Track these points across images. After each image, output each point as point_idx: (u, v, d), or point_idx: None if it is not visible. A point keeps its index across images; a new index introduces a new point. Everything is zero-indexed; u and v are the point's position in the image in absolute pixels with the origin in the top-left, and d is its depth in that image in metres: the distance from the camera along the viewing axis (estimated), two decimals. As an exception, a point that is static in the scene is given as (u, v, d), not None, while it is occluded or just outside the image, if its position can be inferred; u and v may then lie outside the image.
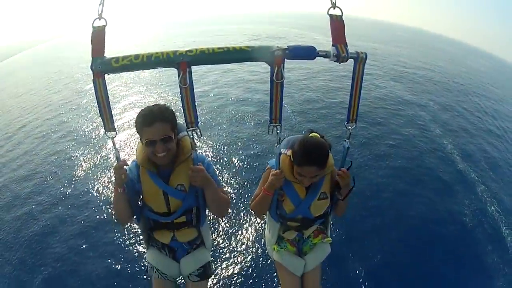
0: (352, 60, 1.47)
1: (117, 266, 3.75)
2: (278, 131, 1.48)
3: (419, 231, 4.58)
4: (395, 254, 4.13)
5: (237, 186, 5.24)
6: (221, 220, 4.35)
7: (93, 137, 7.30)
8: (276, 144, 1.57)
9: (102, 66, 1.34)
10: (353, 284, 3.64)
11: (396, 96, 10.48)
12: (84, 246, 4.09)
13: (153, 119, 1.45)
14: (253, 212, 1.90)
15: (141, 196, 1.71)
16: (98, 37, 1.36)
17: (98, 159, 6.23)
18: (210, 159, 5.78)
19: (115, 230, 4.24)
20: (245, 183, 5.28)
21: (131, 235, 4.13)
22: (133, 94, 10.45)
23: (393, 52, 22.77)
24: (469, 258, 4.29)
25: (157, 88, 10.91)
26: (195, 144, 1.51)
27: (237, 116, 8.05)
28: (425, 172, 6.09)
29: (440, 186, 5.71)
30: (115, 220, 1.64)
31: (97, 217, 4.59)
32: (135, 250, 3.92)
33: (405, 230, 4.56)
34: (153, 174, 1.61)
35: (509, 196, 5.83)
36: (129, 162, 1.65)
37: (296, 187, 1.77)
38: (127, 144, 6.42)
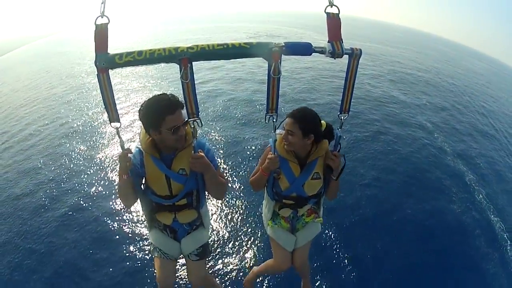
0: (347, 56, 1.53)
1: (122, 249, 3.91)
2: (274, 120, 1.61)
3: (411, 227, 4.63)
4: (387, 247, 4.21)
5: (235, 166, 5.53)
6: (220, 201, 4.60)
7: (94, 128, 7.46)
8: (272, 131, 1.70)
9: (106, 63, 1.39)
10: (343, 263, 3.81)
11: (390, 96, 10.57)
12: (92, 233, 4.22)
13: (175, 107, 1.53)
14: (251, 187, 2.03)
15: (144, 180, 1.80)
16: (101, 34, 1.41)
17: (100, 149, 6.40)
18: (209, 142, 6.08)
19: (121, 217, 4.40)
20: (243, 163, 5.58)
21: (135, 220, 4.32)
22: (133, 87, 10.65)
23: (389, 52, 22.91)
24: (464, 255, 4.36)
25: (156, 81, 11.10)
26: (196, 132, 1.59)
27: (235, 105, 8.42)
28: (418, 169, 6.18)
29: (433, 184, 5.79)
30: (123, 204, 1.77)
31: (103, 205, 4.70)
32: (138, 233, 4.10)
33: (397, 226, 4.62)
34: (156, 159, 1.69)
35: (504, 195, 5.92)
36: (133, 150, 1.73)
37: (291, 166, 1.88)
38: (129, 133, 6.71)
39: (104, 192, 5.03)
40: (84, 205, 4.76)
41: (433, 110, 10.04)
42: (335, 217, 4.47)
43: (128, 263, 3.72)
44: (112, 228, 4.26)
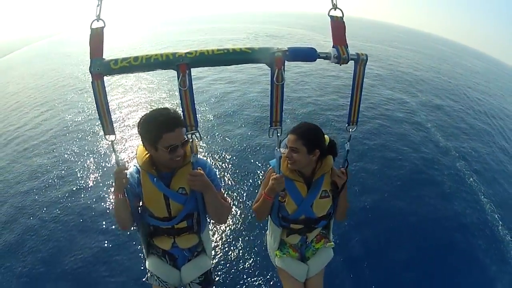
0: (353, 61, 1.47)
1: (116, 273, 3.71)
2: (278, 134, 1.47)
3: (423, 236, 4.57)
4: (399, 258, 4.13)
5: (238, 189, 5.17)
6: (222, 226, 4.28)
7: (92, 138, 7.23)
8: (276, 148, 1.56)
9: (101, 68, 1.32)
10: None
11: (396, 98, 10.54)
12: (83, 253, 4.03)
13: (174, 124, 1.44)
14: (254, 215, 1.89)
15: (141, 202, 1.67)
16: (96, 39, 1.35)
17: (97, 162, 6.13)
18: (210, 162, 5.71)
19: (115, 236, 4.19)
20: (246, 186, 5.22)
21: (131, 242, 4.07)
22: (131, 96, 10.36)
23: (387, 52, 22.93)
24: (466, 254, 4.35)
25: (156, 90, 10.83)
26: (196, 148, 1.49)
27: (237, 117, 8.01)
28: (418, 169, 6.16)
29: (440, 187, 5.74)
30: (118, 226, 1.61)
31: (97, 222, 4.52)
32: (134, 258, 3.86)
33: (408, 235, 4.56)
34: (154, 177, 1.59)
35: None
36: (128, 166, 1.62)
37: (297, 186, 1.76)
38: (127, 147, 6.30)
39: (98, 207, 4.82)
40: (78, 221, 4.57)
41: (431, 109, 10.08)
42: (343, 231, 4.30)
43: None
44: (105, 250, 4.01)
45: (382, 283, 3.72)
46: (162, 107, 1.53)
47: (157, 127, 1.44)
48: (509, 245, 4.63)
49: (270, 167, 1.81)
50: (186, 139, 1.49)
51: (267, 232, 2.09)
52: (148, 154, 1.59)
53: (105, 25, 1.35)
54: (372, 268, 3.88)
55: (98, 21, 1.33)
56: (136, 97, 10.18)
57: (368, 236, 4.37)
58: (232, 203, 4.49)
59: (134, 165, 1.66)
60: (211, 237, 1.97)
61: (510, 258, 4.43)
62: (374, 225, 4.57)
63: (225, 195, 1.77)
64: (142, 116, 1.53)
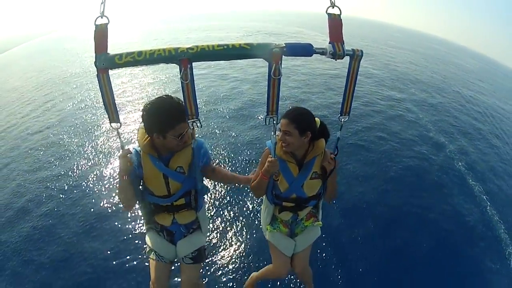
0: (348, 57, 1.52)
1: (117, 249, 3.89)
2: (274, 122, 1.58)
3: (410, 226, 4.65)
4: (384, 245, 4.22)
5: (236, 169, 5.47)
6: (220, 203, 4.56)
7: (93, 128, 7.40)
8: (272, 134, 1.67)
9: (106, 63, 1.38)
10: (343, 266, 3.77)
11: (388, 95, 10.62)
12: (87, 231, 4.21)
13: (182, 116, 1.54)
14: (252, 193, 2.03)
15: (141, 182, 1.80)
16: (101, 35, 1.40)
17: (99, 149, 6.34)
18: (209, 144, 6.08)
19: (118, 217, 4.37)
20: (244, 166, 5.53)
21: (132, 221, 4.28)
22: (134, 86, 10.60)
23: (384, 51, 23.03)
24: (467, 255, 4.36)
25: (157, 81, 11.05)
26: (194, 133, 1.61)
27: (234, 105, 8.35)
28: (417, 168, 6.19)
29: (433, 183, 5.81)
30: (121, 206, 1.77)
31: (100, 204, 4.68)
32: (135, 235, 4.07)
33: (396, 224, 4.62)
34: (154, 158, 1.70)
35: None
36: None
37: (289, 166, 1.88)
38: (129, 133, 6.66)
39: (100, 190, 5.01)
40: (81, 201, 4.76)
41: (423, 105, 10.20)
42: (333, 218, 4.44)
43: (122, 262, 3.69)
44: (108, 225, 4.22)
45: (367, 268, 3.82)
46: (165, 96, 1.62)
47: (170, 118, 1.56)
48: (507, 243, 4.68)
49: (266, 147, 1.91)
50: (190, 126, 1.60)
51: (262, 207, 2.22)
52: (149, 138, 1.69)
53: (109, 22, 1.41)
54: (358, 251, 4.01)
55: (102, 17, 1.39)
56: (136, 87, 10.47)
57: (357, 222, 4.49)
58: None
59: (134, 148, 1.76)
60: (207, 215, 2.21)
61: (509, 257, 4.47)
62: (364, 213, 4.68)
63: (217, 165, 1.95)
64: (148, 105, 1.59)
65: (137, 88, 10.45)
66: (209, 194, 4.70)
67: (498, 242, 4.66)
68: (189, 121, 1.50)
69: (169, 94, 1.64)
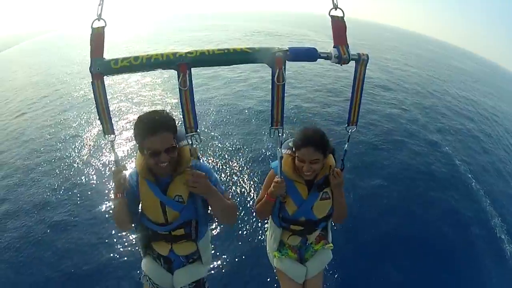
0: (354, 61, 1.46)
1: (112, 269, 3.74)
2: (279, 134, 1.47)
3: (421, 236, 4.57)
4: (397, 257, 4.14)
5: (239, 190, 5.18)
6: (221, 232, 4.21)
7: (92, 138, 7.23)
8: (278, 148, 1.55)
9: (101, 68, 1.32)
10: None
11: (389, 98, 10.60)
12: (80, 248, 4.06)
13: (157, 128, 1.37)
14: (256, 214, 1.90)
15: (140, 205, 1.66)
16: (97, 38, 1.35)
17: (97, 161, 6.14)
18: (211, 164, 5.69)
19: (113, 235, 4.20)
20: (247, 187, 5.23)
21: (129, 241, 4.08)
22: (131, 95, 10.30)
23: (380, 53, 23.10)
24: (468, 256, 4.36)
25: (156, 89, 10.81)
26: (196, 152, 1.46)
27: (236, 118, 7.96)
28: (418, 170, 6.17)
29: (438, 187, 5.77)
30: (117, 226, 1.61)
31: (96, 219, 4.54)
32: (132, 255, 3.87)
33: (406, 234, 4.57)
34: (151, 183, 1.55)
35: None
36: (129, 166, 1.61)
37: (298, 187, 1.74)
38: (127, 147, 6.33)
39: (98, 204, 4.82)
40: (74, 218, 4.58)
41: (418, 107, 10.20)
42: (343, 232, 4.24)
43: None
44: (103, 251, 3.98)
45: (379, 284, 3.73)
46: (157, 109, 1.49)
47: (141, 129, 1.40)
48: (505, 240, 4.65)
49: (272, 168, 1.79)
50: (173, 145, 1.43)
51: (267, 233, 2.07)
52: (145, 160, 1.54)
53: (106, 25, 1.34)
54: (369, 270, 3.89)
55: (99, 20, 1.33)
56: (136, 96, 10.17)
57: (366, 237, 4.38)
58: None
59: (135, 167, 1.63)
60: (210, 245, 1.93)
61: (509, 256, 4.43)
62: (372, 227, 4.57)
63: (229, 195, 1.73)
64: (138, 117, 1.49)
65: (136, 95, 10.12)
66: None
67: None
68: (187, 134, 1.38)
69: (164, 109, 1.50)
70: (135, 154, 1.69)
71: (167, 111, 1.51)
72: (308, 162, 1.62)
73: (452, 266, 4.12)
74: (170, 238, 1.69)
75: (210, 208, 1.66)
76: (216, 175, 1.67)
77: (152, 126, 1.38)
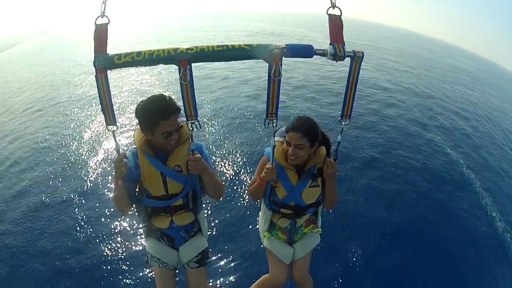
0: (349, 58, 1.50)
1: (116, 257, 3.82)
2: (274, 125, 1.55)
3: (412, 228, 4.66)
4: (385, 248, 4.21)
5: (233, 174, 5.48)
6: (218, 207, 4.50)
7: (91, 130, 7.40)
8: (272, 137, 1.65)
9: (105, 63, 1.37)
10: (344, 275, 3.73)
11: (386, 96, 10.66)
12: (84, 239, 4.14)
13: (170, 113, 1.55)
14: (249, 196, 2.02)
15: (138, 185, 1.78)
16: (101, 35, 1.39)
17: (97, 152, 6.33)
18: (207, 147, 5.98)
19: (115, 223, 4.31)
20: (241, 171, 5.54)
21: (131, 227, 4.20)
22: (132, 87, 10.56)
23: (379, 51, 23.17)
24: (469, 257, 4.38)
25: (156, 81, 11.06)
26: (192, 135, 1.57)
27: (233, 107, 8.35)
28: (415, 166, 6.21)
29: (431, 180, 5.87)
30: (117, 211, 1.72)
31: (98, 209, 4.63)
32: (134, 242, 4.00)
33: (397, 226, 4.64)
34: (151, 157, 1.70)
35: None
36: (127, 152, 1.72)
37: (288, 174, 1.85)
38: (127, 136, 6.67)
39: (97, 195, 4.95)
40: (75, 210, 4.67)
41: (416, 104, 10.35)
42: (334, 219, 4.42)
43: (124, 274, 3.60)
44: (107, 241, 4.07)
45: (370, 274, 3.81)
46: (158, 94, 1.61)
47: (155, 115, 1.55)
48: (505, 240, 4.69)
49: (265, 154, 1.90)
50: (180, 124, 1.63)
51: (260, 213, 2.18)
52: (145, 137, 1.70)
53: (109, 22, 1.40)
54: (358, 259, 3.98)
55: (102, 17, 1.38)
56: (136, 88, 10.42)
57: (357, 229, 4.47)
58: (227, 186, 4.92)
59: (131, 150, 1.76)
60: (206, 219, 2.09)
61: (509, 256, 4.47)
62: (364, 220, 4.65)
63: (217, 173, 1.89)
64: (140, 103, 1.61)
65: (137, 90, 10.39)
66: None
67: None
68: (188, 122, 1.48)
69: (162, 93, 1.63)
70: (133, 144, 1.77)
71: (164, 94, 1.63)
72: (294, 146, 1.72)
73: (437, 254, 4.22)
74: (170, 210, 1.81)
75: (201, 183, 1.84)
76: (207, 153, 1.87)
77: (165, 112, 1.55)
